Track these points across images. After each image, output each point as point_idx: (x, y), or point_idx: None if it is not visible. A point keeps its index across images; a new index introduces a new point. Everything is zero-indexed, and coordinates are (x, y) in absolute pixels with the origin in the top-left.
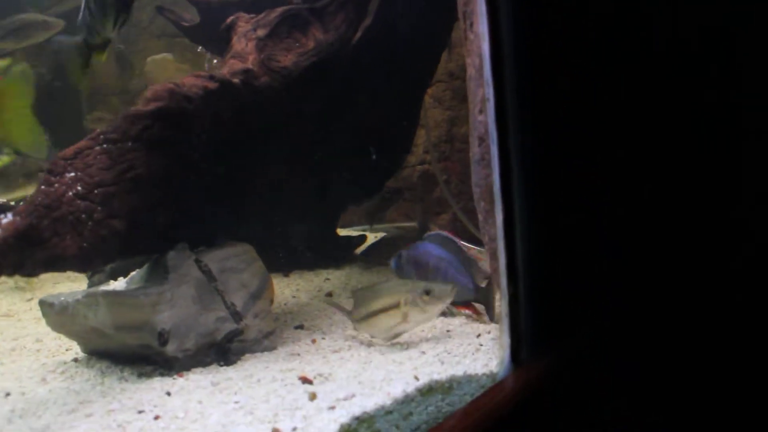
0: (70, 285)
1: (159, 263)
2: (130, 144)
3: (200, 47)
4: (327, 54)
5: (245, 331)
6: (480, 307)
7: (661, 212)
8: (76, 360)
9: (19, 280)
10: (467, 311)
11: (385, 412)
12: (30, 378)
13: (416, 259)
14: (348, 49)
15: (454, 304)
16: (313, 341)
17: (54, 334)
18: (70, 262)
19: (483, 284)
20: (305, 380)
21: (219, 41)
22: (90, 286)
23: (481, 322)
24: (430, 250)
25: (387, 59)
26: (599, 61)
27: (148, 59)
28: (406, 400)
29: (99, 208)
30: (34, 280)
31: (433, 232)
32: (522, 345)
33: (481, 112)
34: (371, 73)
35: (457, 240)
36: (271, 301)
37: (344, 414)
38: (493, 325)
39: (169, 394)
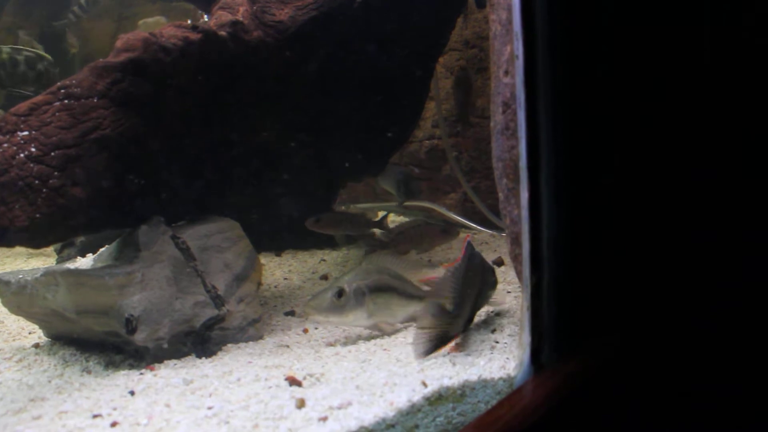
0: (45, 260)
1: (130, 239)
2: (96, 100)
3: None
4: (329, 9)
5: (227, 318)
6: None
7: (710, 198)
8: (37, 346)
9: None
10: None
11: (387, 425)
12: None
13: None
14: (353, 5)
15: None
16: (305, 331)
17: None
18: (19, 235)
19: None
20: (293, 381)
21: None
22: (59, 261)
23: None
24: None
25: (396, 19)
26: (649, 13)
27: (139, 22)
28: (412, 410)
29: (56, 173)
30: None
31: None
32: (544, 344)
33: (506, 73)
34: (378, 33)
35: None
36: (259, 284)
37: (337, 428)
38: (510, 319)
39: (132, 393)
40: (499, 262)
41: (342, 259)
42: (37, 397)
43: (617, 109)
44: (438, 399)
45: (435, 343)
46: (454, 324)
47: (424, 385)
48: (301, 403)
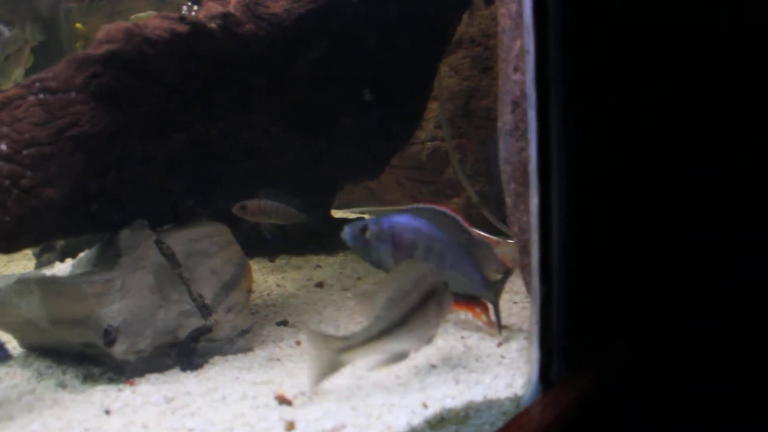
0: (26, 264)
1: (110, 244)
2: (73, 94)
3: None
4: (327, 1)
5: (214, 329)
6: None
7: (733, 205)
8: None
9: None
10: (468, 311)
11: None
12: None
13: (396, 235)
14: None
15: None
16: (298, 343)
17: None
18: None
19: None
20: (283, 400)
21: None
22: (38, 266)
23: (489, 332)
24: (419, 226)
25: (398, 15)
26: (669, 6)
27: (131, 17)
28: None
29: (29, 172)
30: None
31: (419, 205)
32: (553, 360)
33: (516, 70)
34: (379, 29)
35: (458, 217)
36: (249, 292)
37: None
38: (516, 332)
39: (108, 412)
40: None
41: (339, 266)
42: (4, 416)
43: (633, 109)
44: (440, 422)
45: None
46: None
47: (425, 406)
48: (290, 426)
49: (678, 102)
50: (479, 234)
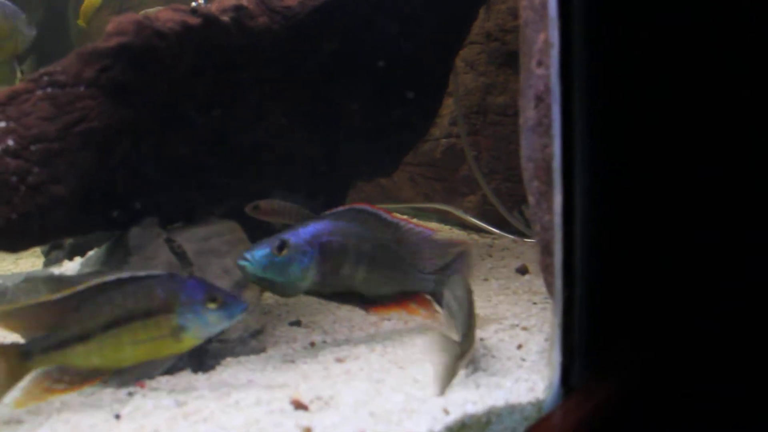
0: (34, 262)
1: (120, 242)
2: (82, 89)
3: None
4: None
5: (226, 329)
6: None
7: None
8: None
9: None
10: (400, 310)
11: None
12: None
13: (324, 243)
14: None
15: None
16: (312, 344)
17: None
18: None
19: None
20: (298, 405)
21: None
22: (46, 264)
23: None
24: (345, 228)
25: (414, 7)
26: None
27: (140, 13)
28: None
29: (36, 169)
30: None
31: (342, 208)
32: (575, 363)
33: (540, 64)
34: (395, 22)
35: (381, 211)
36: (261, 291)
37: None
38: (536, 334)
39: (118, 416)
40: (523, 270)
41: None
42: (12, 419)
43: (661, 105)
44: (461, 428)
45: None
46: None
47: (446, 412)
48: None
49: (708, 98)
50: (414, 223)
